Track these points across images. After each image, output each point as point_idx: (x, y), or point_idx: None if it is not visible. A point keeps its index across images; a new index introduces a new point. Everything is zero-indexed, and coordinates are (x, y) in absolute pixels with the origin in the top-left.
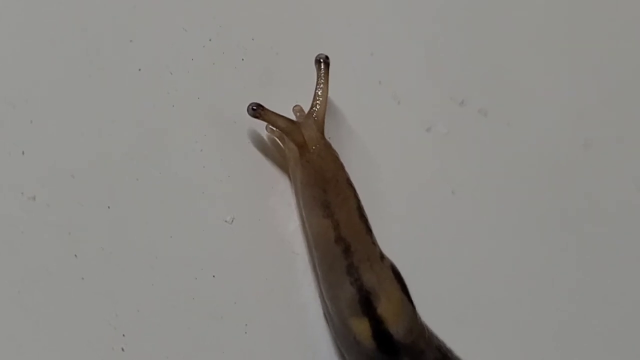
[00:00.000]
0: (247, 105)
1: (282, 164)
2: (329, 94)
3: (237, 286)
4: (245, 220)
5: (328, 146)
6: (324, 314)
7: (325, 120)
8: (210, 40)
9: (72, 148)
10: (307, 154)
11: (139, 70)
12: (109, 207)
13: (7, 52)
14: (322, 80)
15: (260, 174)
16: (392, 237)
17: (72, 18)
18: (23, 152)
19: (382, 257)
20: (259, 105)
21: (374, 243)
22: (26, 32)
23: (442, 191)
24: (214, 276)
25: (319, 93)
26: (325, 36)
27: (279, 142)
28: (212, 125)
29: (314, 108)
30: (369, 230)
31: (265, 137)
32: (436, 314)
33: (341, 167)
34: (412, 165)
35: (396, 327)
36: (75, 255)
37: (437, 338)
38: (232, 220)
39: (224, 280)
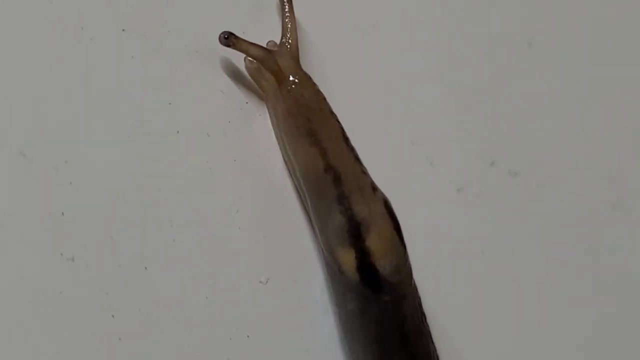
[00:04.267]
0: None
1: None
2: None
3: (271, 347)
4: (279, 281)
5: (307, 77)
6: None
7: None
8: (247, 102)
9: (111, 209)
10: (286, 84)
11: (177, 132)
12: (146, 268)
13: (48, 115)
14: (287, 9)
15: (295, 236)
16: (422, 296)
17: (111, 81)
18: (63, 213)
19: (375, 189)
20: (231, 34)
21: (364, 172)
22: (66, 95)
23: (472, 251)
24: (248, 336)
25: (287, 23)
26: (359, 98)
27: (255, 74)
28: (248, 187)
29: (284, 38)
30: (357, 158)
31: (298, 201)
32: None
33: (323, 97)
34: (443, 225)
35: (383, 263)
36: (113, 316)
37: (419, 294)
38: (267, 281)
39: (258, 340)
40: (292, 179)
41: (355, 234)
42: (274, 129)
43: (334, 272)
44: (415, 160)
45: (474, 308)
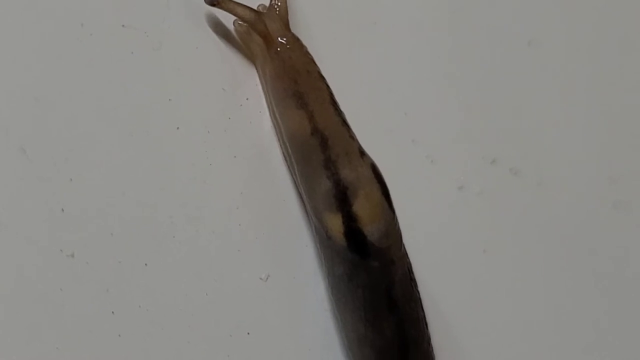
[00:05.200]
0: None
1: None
2: None
3: (271, 344)
4: (279, 278)
5: (296, 39)
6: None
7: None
8: (247, 99)
9: (111, 206)
10: (274, 46)
11: (177, 128)
12: (146, 264)
13: (48, 112)
14: None
15: (296, 232)
16: (422, 295)
17: (111, 77)
18: (62, 210)
19: (363, 153)
20: None
21: (351, 137)
22: (66, 91)
23: (473, 250)
24: (248, 333)
25: None
26: (361, 96)
27: (245, 37)
28: (248, 183)
29: (274, 1)
30: (344, 122)
31: (297, 198)
32: None
33: (311, 59)
34: (444, 223)
35: (371, 228)
36: (113, 312)
37: (409, 259)
38: (267, 278)
39: (258, 337)
40: (280, 146)
41: (342, 199)
42: (264, 93)
43: (322, 237)
44: (416, 159)
45: (475, 306)
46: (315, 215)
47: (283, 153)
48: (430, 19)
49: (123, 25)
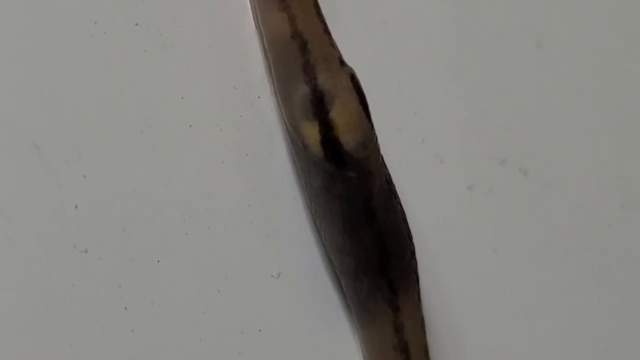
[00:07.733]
0: None
1: None
2: None
3: (282, 341)
4: (291, 275)
5: None
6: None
7: None
8: (259, 97)
9: (123, 202)
10: None
11: (190, 126)
12: (158, 261)
13: (61, 109)
14: None
15: (306, 230)
16: (432, 294)
17: (124, 75)
18: (76, 206)
19: (343, 63)
20: None
21: (332, 45)
22: (79, 89)
23: (483, 250)
24: (260, 330)
25: None
26: (370, 95)
27: None
28: (260, 181)
29: None
30: (326, 29)
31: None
32: None
33: None
34: (453, 223)
35: (347, 138)
36: (125, 308)
37: (387, 170)
38: (279, 275)
39: (269, 334)
40: (262, 54)
41: (319, 105)
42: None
43: (298, 148)
44: (426, 158)
45: (485, 306)
46: (291, 124)
47: (264, 61)
48: (440, 19)
49: (136, 24)
